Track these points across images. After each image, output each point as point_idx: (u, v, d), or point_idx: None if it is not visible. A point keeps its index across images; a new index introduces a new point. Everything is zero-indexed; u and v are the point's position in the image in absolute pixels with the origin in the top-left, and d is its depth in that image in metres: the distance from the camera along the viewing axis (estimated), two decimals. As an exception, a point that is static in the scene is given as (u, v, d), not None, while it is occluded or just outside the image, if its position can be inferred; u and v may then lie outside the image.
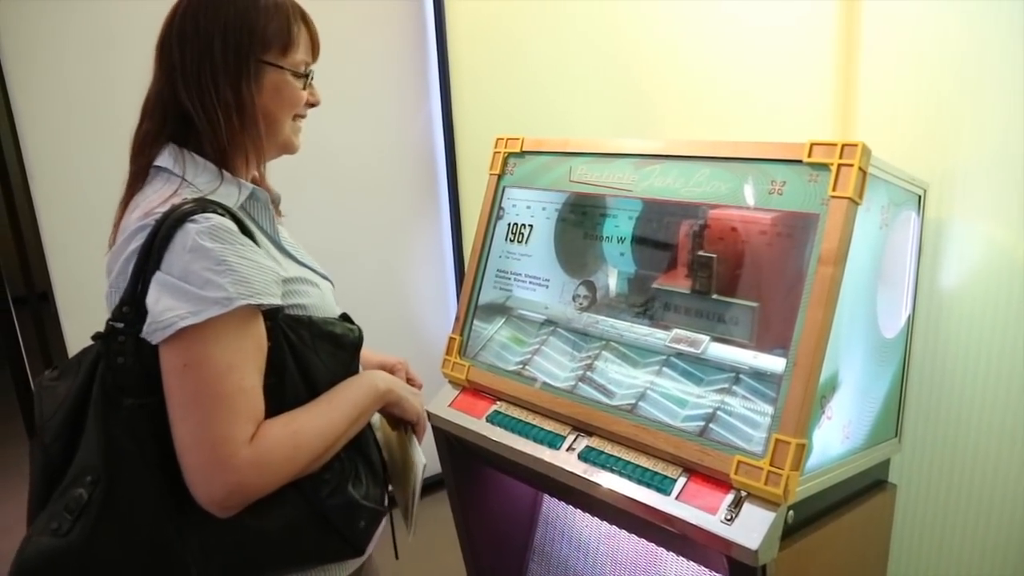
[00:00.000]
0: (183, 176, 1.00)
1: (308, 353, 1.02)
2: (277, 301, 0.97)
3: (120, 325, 0.94)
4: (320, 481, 1.00)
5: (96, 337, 0.97)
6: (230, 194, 1.02)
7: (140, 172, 1.04)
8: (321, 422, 1.00)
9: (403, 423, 1.21)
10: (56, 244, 2.00)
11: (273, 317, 0.98)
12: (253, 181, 1.12)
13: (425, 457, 1.24)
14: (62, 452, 0.96)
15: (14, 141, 1.93)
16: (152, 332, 0.90)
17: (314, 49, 1.11)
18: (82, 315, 2.03)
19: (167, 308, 0.89)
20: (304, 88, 1.10)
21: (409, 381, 1.32)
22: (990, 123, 1.42)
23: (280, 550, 0.99)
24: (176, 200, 0.96)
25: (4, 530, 2.68)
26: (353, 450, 1.07)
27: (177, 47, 1.02)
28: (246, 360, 0.93)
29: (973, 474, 1.53)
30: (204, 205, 0.95)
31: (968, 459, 1.53)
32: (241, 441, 0.90)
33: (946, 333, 1.52)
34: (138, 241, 0.95)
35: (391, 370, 1.30)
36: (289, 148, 1.13)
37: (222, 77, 1.01)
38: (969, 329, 1.49)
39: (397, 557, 1.19)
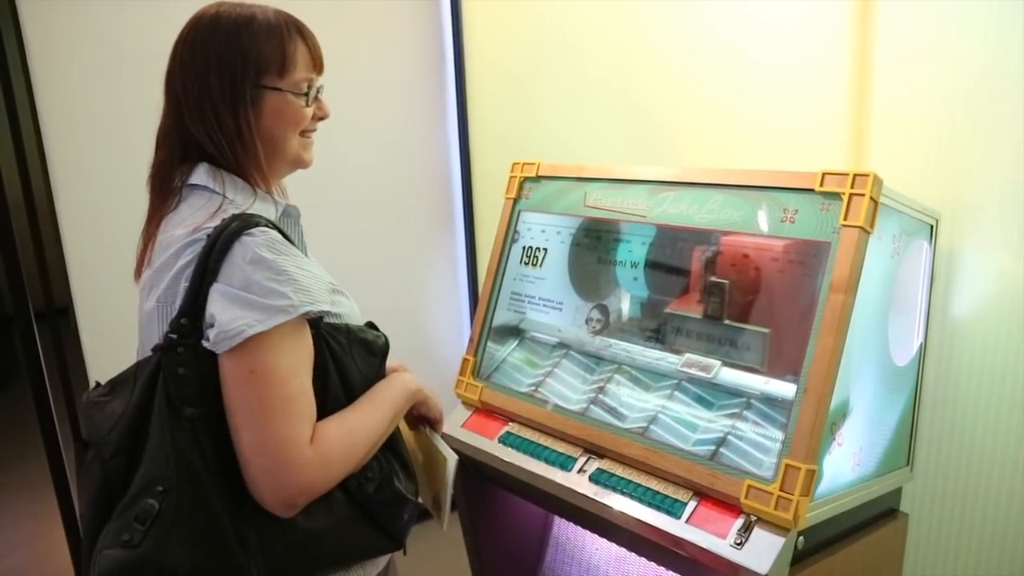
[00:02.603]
0: (224, 194, 1.03)
1: (346, 359, 1.05)
2: (330, 308, 1.02)
3: (178, 337, 0.96)
4: (364, 479, 1.04)
5: (156, 349, 0.99)
6: (268, 210, 1.06)
7: (170, 192, 1.06)
8: (369, 421, 1.05)
9: (424, 421, 1.25)
10: (79, 260, 2.03)
11: (316, 325, 1.01)
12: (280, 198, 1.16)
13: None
14: (123, 466, 0.98)
15: (40, 159, 1.97)
16: (220, 342, 0.93)
17: (315, 63, 1.10)
18: (102, 331, 2.05)
19: (235, 318, 0.92)
20: (308, 104, 1.09)
21: None
22: (1003, 153, 1.43)
23: (332, 547, 1.02)
24: (224, 215, 0.99)
25: (23, 541, 2.70)
26: (388, 449, 1.11)
27: (179, 79, 1.05)
28: (303, 365, 0.97)
29: (986, 504, 1.52)
30: (255, 220, 0.98)
31: (981, 489, 1.52)
32: (305, 442, 0.94)
33: (958, 362, 1.52)
34: (189, 255, 0.97)
35: None
36: (300, 163, 1.14)
37: (220, 106, 1.03)
38: (982, 358, 1.49)
39: (404, 553, 1.20)
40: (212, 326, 0.93)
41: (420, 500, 1.15)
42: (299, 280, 0.96)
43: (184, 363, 0.96)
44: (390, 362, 1.34)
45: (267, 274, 0.94)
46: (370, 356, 1.10)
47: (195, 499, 0.94)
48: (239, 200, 1.03)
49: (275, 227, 1.00)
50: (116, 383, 1.04)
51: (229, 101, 1.03)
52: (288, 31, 1.06)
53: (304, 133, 1.12)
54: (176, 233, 1.00)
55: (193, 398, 0.96)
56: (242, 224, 0.96)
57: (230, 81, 1.02)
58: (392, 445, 1.12)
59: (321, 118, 1.14)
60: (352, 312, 1.12)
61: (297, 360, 0.96)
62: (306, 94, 1.09)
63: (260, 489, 0.94)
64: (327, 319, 1.04)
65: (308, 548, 1.00)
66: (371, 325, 1.15)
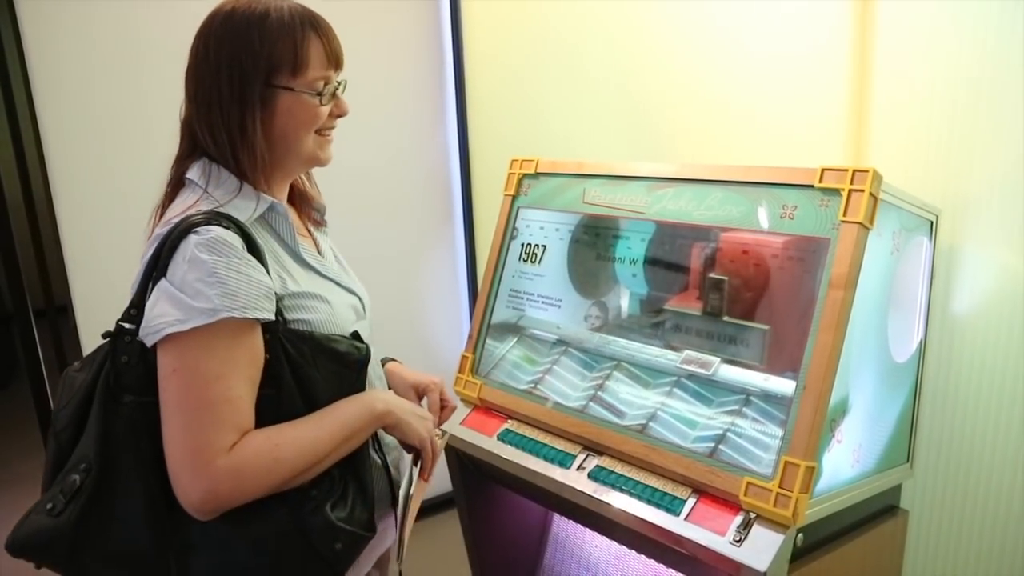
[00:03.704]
0: (205, 188, 1.03)
1: (307, 368, 1.03)
2: (265, 315, 0.98)
3: (128, 326, 0.98)
4: (306, 497, 1.01)
5: (106, 335, 1.01)
6: (246, 207, 1.04)
7: (174, 184, 1.08)
8: (307, 437, 1.00)
9: (411, 449, 1.19)
10: (78, 259, 2.03)
11: (273, 330, 1.00)
12: (291, 190, 1.16)
13: (424, 485, 1.19)
14: (70, 440, 1.01)
15: (39, 159, 1.97)
16: (145, 336, 0.95)
17: (332, 60, 1.08)
18: (101, 329, 2.04)
19: (159, 314, 0.94)
20: (324, 103, 1.08)
21: (442, 400, 1.32)
22: (1002, 150, 1.43)
23: (259, 560, 0.99)
24: (192, 211, 0.99)
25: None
26: (347, 470, 1.07)
27: (193, 76, 1.05)
28: (235, 370, 0.95)
29: (987, 500, 1.52)
30: (211, 218, 0.98)
31: (981, 485, 1.52)
32: (220, 449, 0.93)
33: (959, 359, 1.52)
34: (154, 248, 0.99)
35: (424, 390, 1.30)
36: (316, 162, 1.13)
37: (229, 105, 1.02)
38: (982, 355, 1.49)
39: (401, 564, 1.18)
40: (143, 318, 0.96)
41: (374, 531, 1.08)
42: (228, 284, 0.94)
43: (129, 352, 0.97)
44: (422, 377, 1.30)
45: (198, 275, 0.94)
46: (341, 368, 1.07)
47: (119, 483, 0.96)
48: (218, 195, 1.03)
49: (238, 227, 0.99)
50: (86, 361, 1.07)
51: (238, 100, 1.02)
52: (302, 28, 1.04)
53: (321, 132, 1.11)
54: (158, 224, 1.03)
55: (134, 386, 0.97)
56: (194, 222, 0.96)
57: (240, 80, 1.02)
58: (355, 467, 1.08)
59: (339, 115, 1.13)
60: (331, 320, 1.09)
61: (227, 364, 0.94)
62: (321, 93, 1.07)
63: (174, 486, 0.94)
64: (291, 325, 1.03)
65: (234, 553, 0.98)
66: (355, 335, 1.12)
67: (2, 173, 1.98)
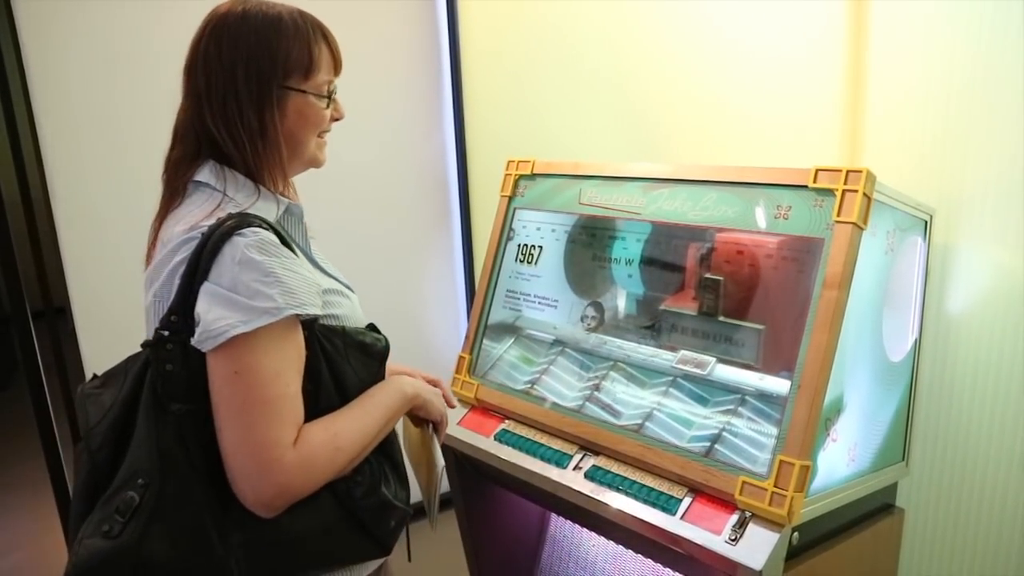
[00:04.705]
0: (224, 192, 1.04)
1: (341, 361, 1.06)
2: (319, 311, 1.01)
3: (168, 333, 0.97)
4: (353, 483, 1.04)
5: (145, 345, 1.00)
6: (269, 209, 1.06)
7: (178, 188, 1.07)
8: (358, 425, 1.04)
9: (426, 421, 1.25)
10: (76, 260, 2.03)
11: (310, 327, 1.02)
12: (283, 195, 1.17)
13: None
14: (109, 458, 1.00)
15: (37, 158, 1.97)
16: (204, 340, 0.94)
17: (336, 65, 1.12)
18: (99, 330, 2.05)
19: (219, 317, 0.93)
20: (327, 106, 1.12)
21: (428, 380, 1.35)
22: (997, 149, 1.43)
23: (314, 549, 1.02)
24: (220, 214, 1.00)
25: (28, 540, 2.71)
26: (380, 453, 1.11)
27: (202, 74, 1.05)
28: (289, 367, 0.97)
29: (982, 499, 1.52)
30: (249, 220, 0.98)
31: (976, 484, 1.53)
32: (287, 444, 0.94)
33: (954, 357, 1.52)
34: (184, 253, 0.98)
35: (409, 375, 1.33)
36: (315, 163, 1.16)
37: (246, 104, 1.04)
38: (977, 353, 1.50)
39: (410, 560, 1.21)
40: (199, 324, 0.94)
41: (409, 506, 1.13)
42: (286, 282, 0.96)
43: (172, 359, 0.96)
44: (399, 366, 1.34)
45: (254, 275, 0.94)
46: (368, 359, 1.10)
47: (176, 494, 0.95)
48: (239, 199, 1.04)
49: (271, 228, 1.00)
50: (108, 376, 1.06)
51: (255, 99, 1.04)
52: (314, 34, 1.08)
53: (320, 134, 1.14)
54: (175, 230, 1.01)
55: (180, 394, 0.97)
56: (235, 224, 0.96)
57: (257, 79, 1.03)
58: (386, 449, 1.12)
59: (336, 119, 1.16)
60: (353, 314, 1.12)
61: (283, 362, 0.96)
62: (327, 96, 1.10)
63: (240, 488, 0.94)
64: (322, 321, 1.04)
65: (292, 548, 1.00)
66: (372, 327, 1.15)
67: (0, 174, 1.98)
